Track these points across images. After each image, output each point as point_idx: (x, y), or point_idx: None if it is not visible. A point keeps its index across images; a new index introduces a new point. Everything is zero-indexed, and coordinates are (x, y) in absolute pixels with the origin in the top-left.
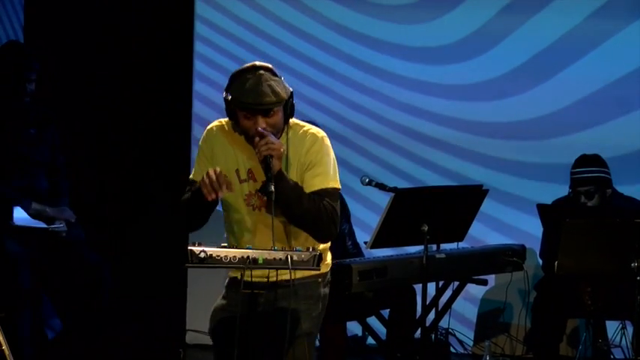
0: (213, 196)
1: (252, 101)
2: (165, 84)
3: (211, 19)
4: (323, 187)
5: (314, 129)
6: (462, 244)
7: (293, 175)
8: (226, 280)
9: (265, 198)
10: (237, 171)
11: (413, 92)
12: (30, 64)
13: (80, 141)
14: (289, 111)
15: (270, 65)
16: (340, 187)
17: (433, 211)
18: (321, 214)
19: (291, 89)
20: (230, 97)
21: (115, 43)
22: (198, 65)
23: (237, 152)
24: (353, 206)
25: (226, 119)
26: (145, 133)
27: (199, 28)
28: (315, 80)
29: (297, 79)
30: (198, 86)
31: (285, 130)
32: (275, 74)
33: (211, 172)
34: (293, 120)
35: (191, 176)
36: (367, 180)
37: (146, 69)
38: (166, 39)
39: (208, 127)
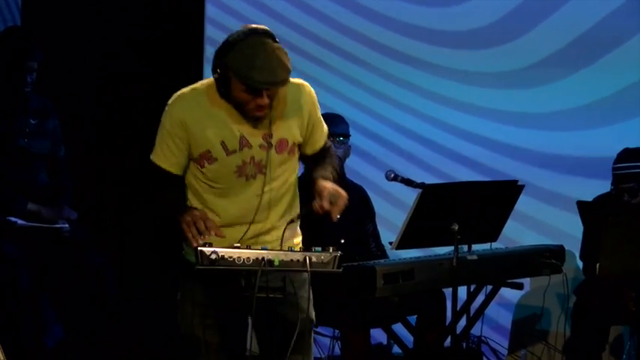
0: (200, 242)
1: (266, 80)
2: (175, 71)
3: (223, 1)
4: (325, 136)
5: (298, 80)
6: (495, 245)
7: (294, 127)
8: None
9: (264, 164)
10: (222, 143)
11: (441, 80)
12: (32, 54)
13: (84, 134)
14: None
15: (266, 28)
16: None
17: (464, 209)
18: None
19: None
20: (232, 69)
21: (121, 29)
22: (210, 51)
23: (220, 122)
24: (377, 203)
25: (189, 88)
26: (152, 124)
27: (210, 10)
28: (336, 67)
29: (318, 66)
30: (209, 72)
31: None
32: (275, 39)
33: (198, 217)
34: None
35: (152, 157)
36: (393, 175)
37: (155, 55)
38: (176, 23)
39: (171, 102)
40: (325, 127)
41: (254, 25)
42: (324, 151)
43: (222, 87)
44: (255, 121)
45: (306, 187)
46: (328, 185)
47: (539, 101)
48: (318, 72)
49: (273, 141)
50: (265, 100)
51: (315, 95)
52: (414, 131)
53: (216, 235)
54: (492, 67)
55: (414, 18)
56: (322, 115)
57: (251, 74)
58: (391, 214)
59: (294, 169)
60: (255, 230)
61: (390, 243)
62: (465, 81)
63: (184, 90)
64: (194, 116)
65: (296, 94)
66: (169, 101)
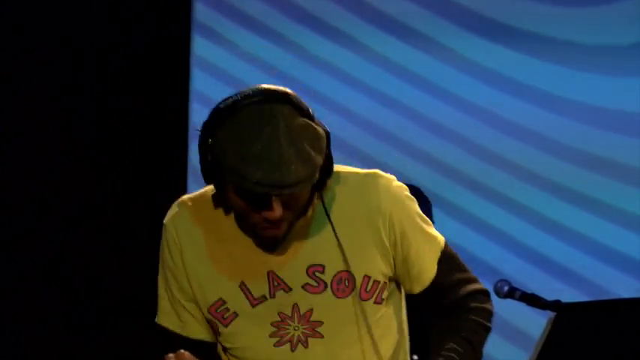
0: None
1: (265, 179)
2: (158, 80)
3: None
4: (436, 257)
5: (368, 172)
6: None
7: (364, 251)
8: None
9: (319, 320)
10: (242, 286)
11: (568, 119)
12: None
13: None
14: (327, 166)
15: (287, 91)
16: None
17: (626, 343)
18: (482, 332)
19: (324, 130)
20: (216, 160)
21: (104, 41)
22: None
23: (237, 249)
24: None
25: (194, 195)
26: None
27: (198, 12)
28: (388, 94)
29: (356, 90)
30: (197, 78)
31: (326, 185)
32: (298, 107)
33: None
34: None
35: (158, 318)
36: (507, 288)
37: (136, 63)
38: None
39: (166, 221)
40: (437, 240)
41: (263, 86)
42: (451, 303)
43: (214, 183)
44: (272, 246)
45: None
46: None
47: None
48: (363, 103)
49: (327, 277)
50: (276, 213)
51: (402, 192)
52: (533, 209)
53: None
54: None
55: (535, 23)
56: None
57: (242, 169)
58: (505, 352)
59: (388, 327)
60: None
61: None
62: (614, 125)
63: (186, 197)
64: (194, 241)
65: (363, 194)
66: (166, 220)
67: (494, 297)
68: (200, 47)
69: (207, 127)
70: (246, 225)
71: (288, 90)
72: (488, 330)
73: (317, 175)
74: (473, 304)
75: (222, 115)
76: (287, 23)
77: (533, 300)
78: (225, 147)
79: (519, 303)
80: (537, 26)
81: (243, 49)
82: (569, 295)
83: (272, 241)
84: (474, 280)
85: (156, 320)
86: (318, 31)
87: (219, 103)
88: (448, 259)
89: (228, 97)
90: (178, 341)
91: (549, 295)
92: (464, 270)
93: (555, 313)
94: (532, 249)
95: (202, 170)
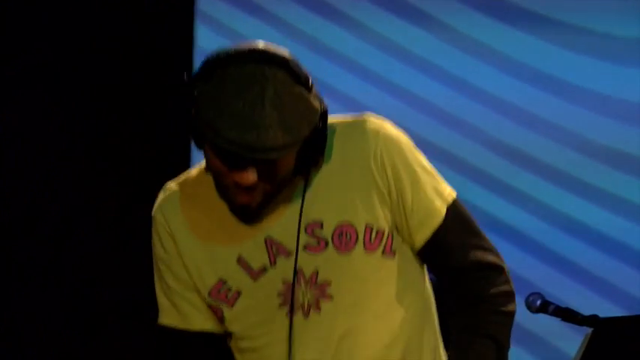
0: None
1: (239, 140)
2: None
3: None
4: (441, 215)
5: (356, 117)
6: None
7: (361, 201)
8: None
9: (327, 280)
10: (240, 260)
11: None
12: None
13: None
14: (318, 142)
15: (286, 55)
16: (454, 192)
17: None
18: (506, 321)
19: (320, 106)
20: (196, 113)
21: (104, 35)
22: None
23: (229, 222)
24: (514, 353)
25: (179, 180)
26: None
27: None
28: (404, 86)
29: (369, 82)
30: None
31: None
32: (295, 75)
33: None
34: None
35: (161, 318)
36: (539, 302)
37: (136, 56)
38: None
39: (154, 211)
40: (444, 192)
41: (261, 45)
42: (456, 268)
43: (194, 139)
44: (247, 215)
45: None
46: None
47: None
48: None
49: (326, 233)
50: (248, 178)
51: (395, 133)
52: (570, 215)
53: None
54: None
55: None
56: None
57: (218, 125)
58: None
59: (404, 285)
60: None
61: None
62: None
63: (170, 183)
64: (185, 224)
65: (352, 140)
66: (154, 210)
67: (525, 311)
68: (204, 38)
69: (195, 77)
70: (220, 188)
71: (288, 54)
72: (512, 315)
73: (297, 147)
74: (491, 290)
75: (212, 67)
76: (296, 11)
77: (568, 315)
78: (206, 100)
79: (552, 318)
80: (576, 18)
81: (250, 39)
82: (606, 308)
83: (244, 210)
84: (489, 250)
85: (158, 321)
86: (329, 18)
87: (211, 55)
88: (457, 217)
89: (222, 50)
90: (183, 338)
91: (584, 309)
92: (476, 235)
93: (592, 329)
94: (563, 257)
95: (185, 123)
